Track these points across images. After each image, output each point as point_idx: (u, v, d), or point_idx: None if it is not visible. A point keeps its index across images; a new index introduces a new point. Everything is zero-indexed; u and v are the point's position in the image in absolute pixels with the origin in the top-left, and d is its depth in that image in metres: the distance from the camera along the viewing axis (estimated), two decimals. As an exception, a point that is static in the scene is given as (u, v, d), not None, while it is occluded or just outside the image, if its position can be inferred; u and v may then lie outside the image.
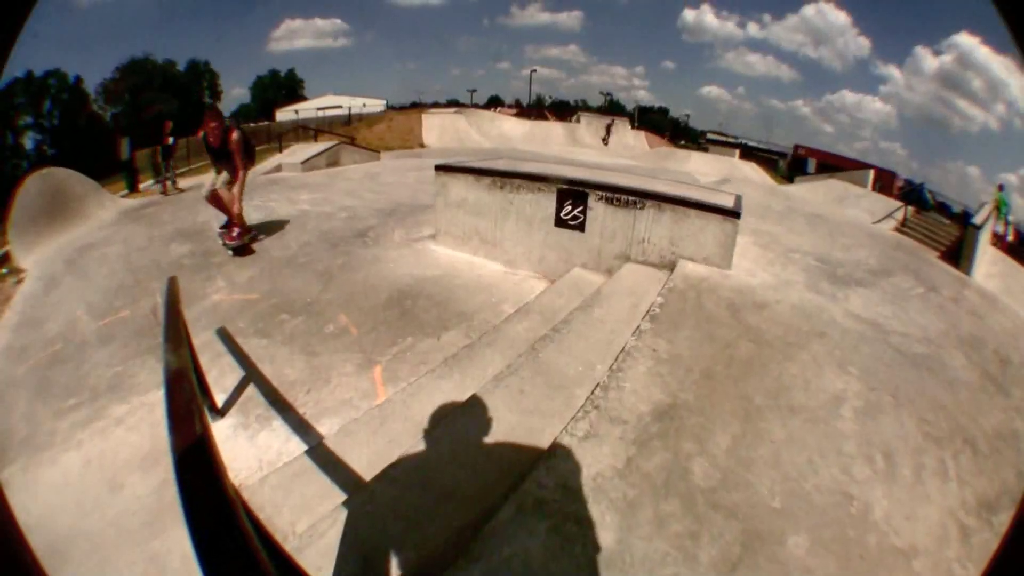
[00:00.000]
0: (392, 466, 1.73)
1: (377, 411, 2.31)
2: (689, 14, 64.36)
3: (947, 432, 2.64)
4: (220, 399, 2.69)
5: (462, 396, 2.14)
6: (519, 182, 4.11)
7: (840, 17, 54.98)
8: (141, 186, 13.99)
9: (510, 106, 39.07)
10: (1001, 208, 14.59)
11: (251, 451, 2.38)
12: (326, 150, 13.09)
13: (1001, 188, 16.08)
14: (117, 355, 3.27)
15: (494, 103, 40.96)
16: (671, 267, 3.55)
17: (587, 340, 2.61)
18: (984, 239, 9.63)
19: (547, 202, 3.96)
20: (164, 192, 12.14)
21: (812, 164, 28.19)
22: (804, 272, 4.16)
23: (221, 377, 2.87)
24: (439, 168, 4.62)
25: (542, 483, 1.60)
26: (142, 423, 2.57)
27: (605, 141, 21.52)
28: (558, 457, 1.72)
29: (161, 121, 14.10)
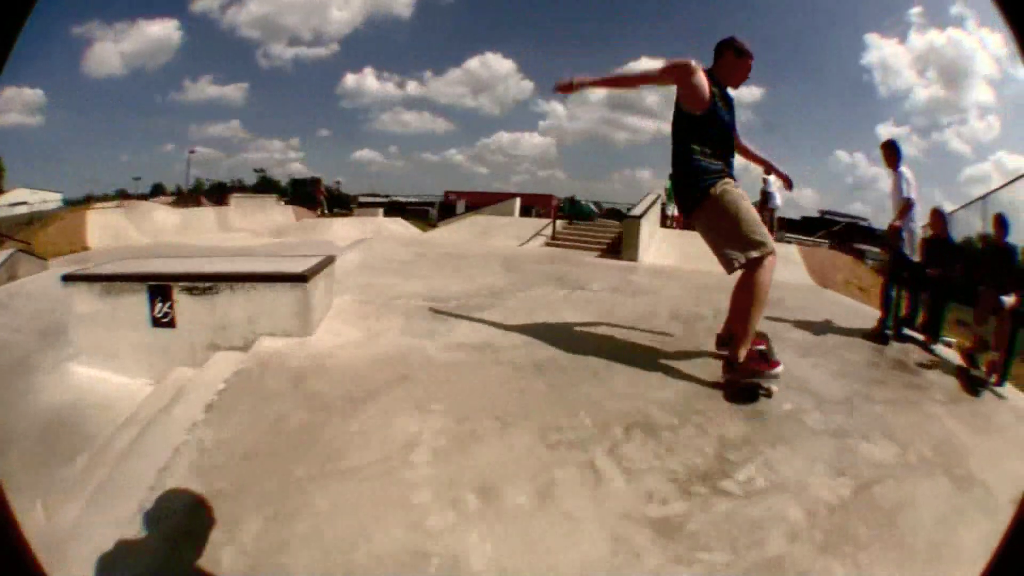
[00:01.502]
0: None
1: None
2: (351, 79, 66.32)
3: (594, 430, 2.49)
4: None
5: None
6: (120, 285, 3.95)
7: (506, 65, 61.05)
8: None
9: (173, 193, 37.26)
10: (670, 194, 17.45)
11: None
12: (3, 263, 11.72)
13: (671, 177, 19.15)
14: None
15: (158, 191, 38.81)
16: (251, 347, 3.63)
17: (164, 441, 2.66)
18: (648, 226, 11.32)
19: (142, 302, 3.83)
20: None
21: (462, 205, 30.12)
22: (404, 317, 4.35)
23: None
24: (64, 279, 4.22)
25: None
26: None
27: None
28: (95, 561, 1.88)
29: None
